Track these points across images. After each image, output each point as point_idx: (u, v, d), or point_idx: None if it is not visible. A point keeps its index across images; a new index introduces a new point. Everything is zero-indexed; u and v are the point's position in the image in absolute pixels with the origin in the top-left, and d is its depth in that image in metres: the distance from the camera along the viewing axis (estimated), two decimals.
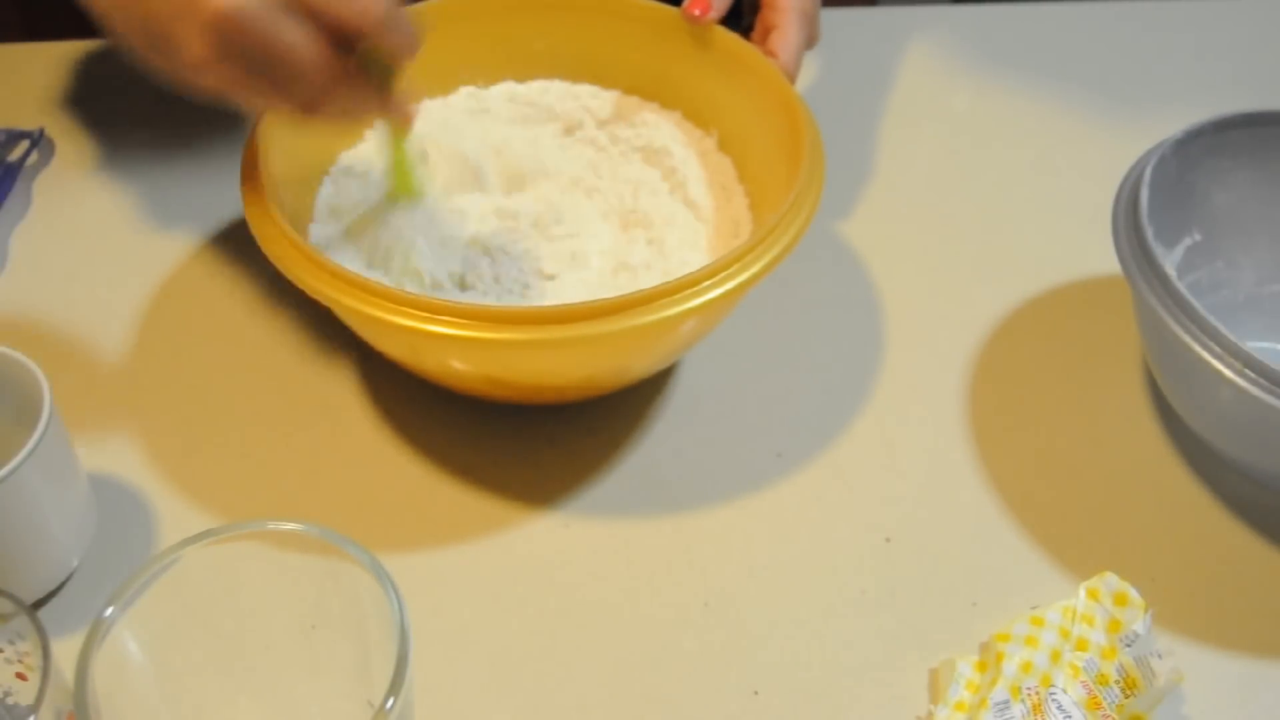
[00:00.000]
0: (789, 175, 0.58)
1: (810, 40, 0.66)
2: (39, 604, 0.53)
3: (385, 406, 0.62)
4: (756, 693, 0.52)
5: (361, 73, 0.51)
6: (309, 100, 0.51)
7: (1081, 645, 0.51)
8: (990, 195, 0.77)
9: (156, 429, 0.61)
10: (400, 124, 0.57)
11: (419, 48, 0.52)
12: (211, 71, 0.49)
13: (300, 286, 0.53)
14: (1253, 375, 0.51)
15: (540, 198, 0.63)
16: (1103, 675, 0.50)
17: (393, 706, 0.38)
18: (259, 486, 0.59)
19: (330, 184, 0.64)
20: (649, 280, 0.59)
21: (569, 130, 0.68)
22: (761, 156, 0.63)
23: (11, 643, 0.43)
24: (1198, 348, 0.53)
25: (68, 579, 0.54)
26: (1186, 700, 0.52)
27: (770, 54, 0.64)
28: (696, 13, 0.65)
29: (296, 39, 0.48)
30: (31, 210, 0.73)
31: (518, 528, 0.57)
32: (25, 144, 0.75)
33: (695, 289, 0.52)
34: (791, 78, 0.63)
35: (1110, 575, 0.53)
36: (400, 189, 0.60)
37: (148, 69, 0.51)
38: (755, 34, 0.66)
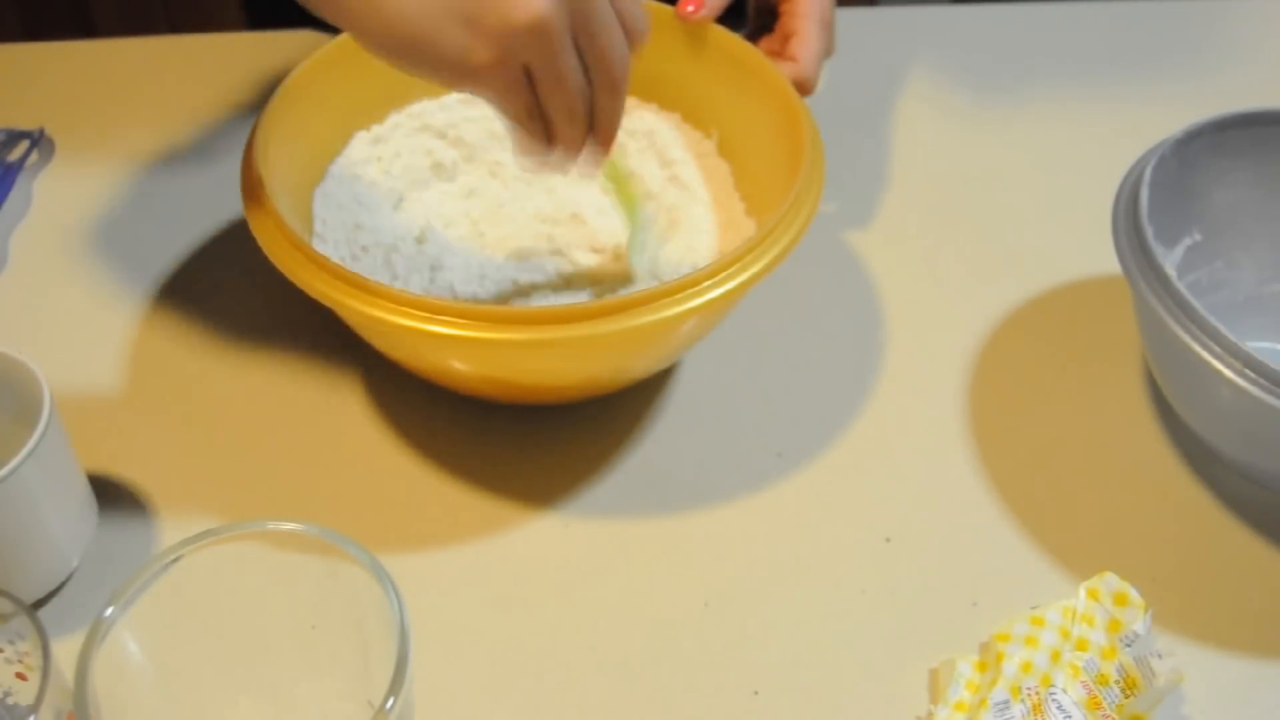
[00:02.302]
0: (789, 176, 0.58)
1: (828, 49, 0.66)
2: (39, 604, 0.53)
3: (386, 406, 0.62)
4: (756, 693, 0.52)
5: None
6: (560, 129, 0.51)
7: (1081, 645, 0.51)
8: (990, 195, 0.76)
9: (156, 429, 0.61)
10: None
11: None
12: (493, 74, 0.49)
13: (301, 287, 0.53)
14: (1253, 375, 0.51)
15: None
16: (1103, 675, 0.50)
17: (393, 706, 0.38)
18: (259, 486, 0.59)
19: (332, 184, 0.64)
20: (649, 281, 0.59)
21: None
22: (761, 156, 0.63)
23: (11, 643, 0.43)
24: (1198, 348, 0.53)
25: (68, 579, 0.54)
26: (1186, 700, 0.52)
27: (790, 59, 0.63)
28: (690, 9, 0.64)
29: (575, 64, 0.49)
30: (31, 210, 0.73)
31: (518, 528, 0.57)
32: (25, 144, 0.75)
33: (695, 289, 0.52)
34: (812, 85, 0.63)
35: (1110, 575, 0.53)
36: (628, 211, 0.60)
37: (412, 72, 0.50)
38: (774, 40, 0.66)
